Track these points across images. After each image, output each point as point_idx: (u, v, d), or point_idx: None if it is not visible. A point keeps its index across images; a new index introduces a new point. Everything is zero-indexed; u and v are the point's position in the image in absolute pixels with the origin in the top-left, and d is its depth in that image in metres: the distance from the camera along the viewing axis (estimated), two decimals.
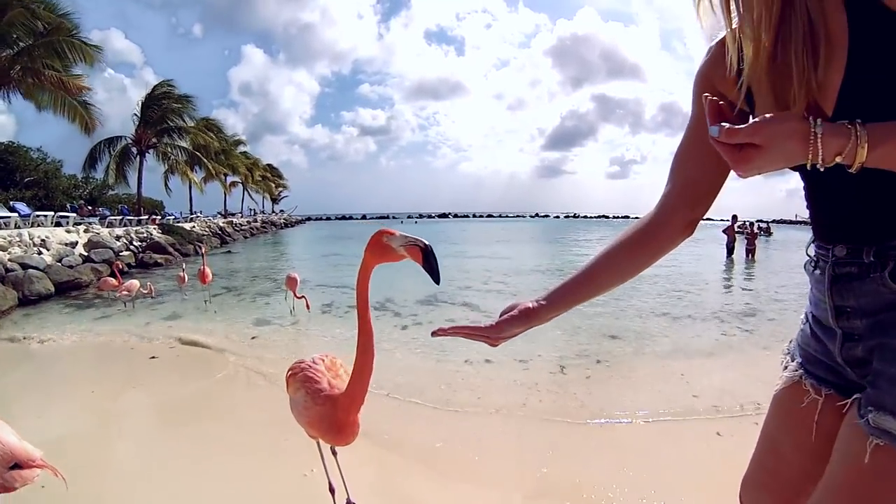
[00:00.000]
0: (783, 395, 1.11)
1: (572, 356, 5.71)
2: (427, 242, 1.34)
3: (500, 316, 1.10)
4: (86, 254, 15.19)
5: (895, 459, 0.82)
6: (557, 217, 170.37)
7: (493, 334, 1.08)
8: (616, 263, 1.12)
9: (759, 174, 0.82)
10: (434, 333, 1.10)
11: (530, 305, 1.09)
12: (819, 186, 0.97)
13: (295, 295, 8.60)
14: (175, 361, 5.78)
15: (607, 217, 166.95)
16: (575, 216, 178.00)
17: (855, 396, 0.92)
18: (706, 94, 0.85)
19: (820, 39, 0.83)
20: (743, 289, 11.75)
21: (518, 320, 1.08)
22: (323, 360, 2.19)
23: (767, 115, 0.78)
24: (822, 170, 0.77)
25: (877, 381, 0.87)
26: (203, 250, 13.74)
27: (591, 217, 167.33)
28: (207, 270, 9.90)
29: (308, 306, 8.45)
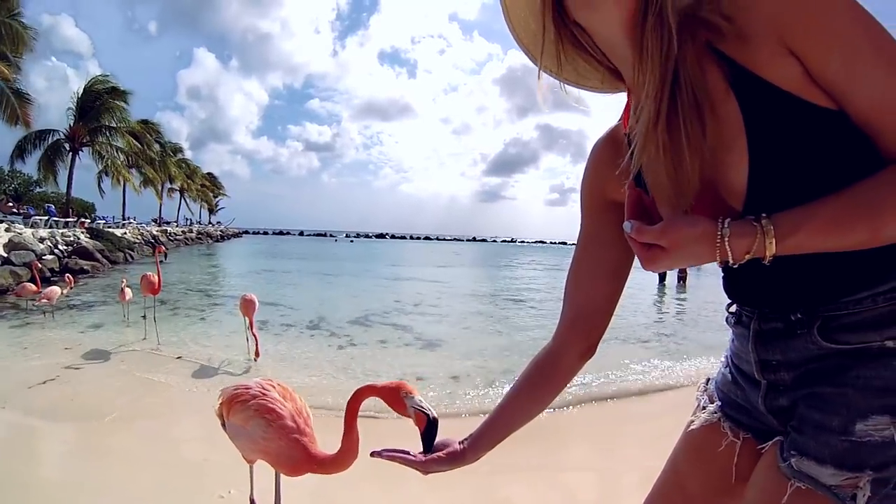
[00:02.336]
0: (698, 434, 1.11)
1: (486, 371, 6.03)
2: (435, 415, 1.29)
3: (434, 452, 1.13)
4: (5, 255, 14.21)
5: (813, 502, 0.84)
6: (495, 241, 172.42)
7: (421, 468, 1.12)
8: (521, 405, 1.15)
9: (668, 270, 0.82)
10: (372, 454, 1.14)
11: (457, 448, 1.12)
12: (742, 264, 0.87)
13: (251, 324, 6.66)
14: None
15: (544, 242, 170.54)
16: (513, 241, 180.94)
17: (776, 439, 0.94)
18: (630, 184, 0.86)
19: (705, 110, 0.80)
20: (660, 314, 12.35)
21: (445, 462, 1.11)
22: (273, 387, 2.15)
23: (675, 219, 0.80)
24: (735, 267, 0.79)
25: (802, 427, 0.89)
26: (158, 252, 10.63)
27: (529, 242, 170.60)
28: (158, 279, 7.93)
29: (258, 353, 6.46)
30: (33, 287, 9.18)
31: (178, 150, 53.20)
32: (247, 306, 6.65)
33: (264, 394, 2.08)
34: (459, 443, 1.14)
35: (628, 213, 0.85)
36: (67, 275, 10.11)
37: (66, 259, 17.73)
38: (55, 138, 27.71)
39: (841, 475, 0.83)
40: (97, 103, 28.29)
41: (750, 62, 0.77)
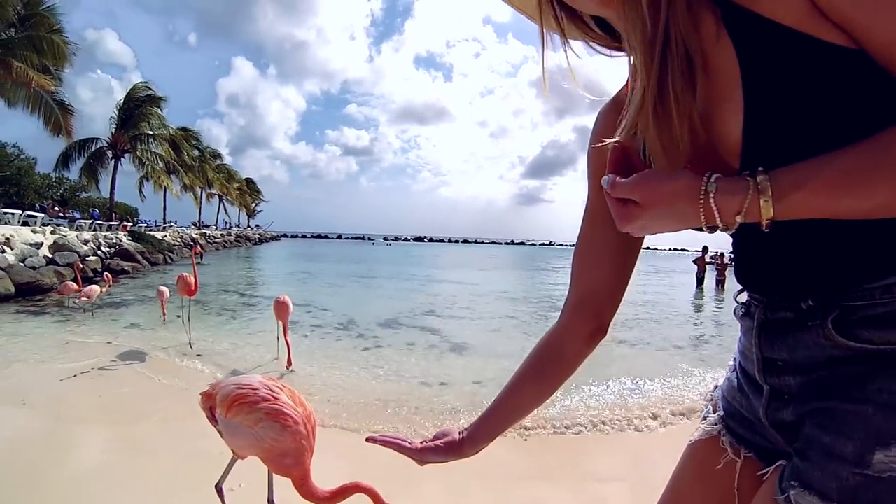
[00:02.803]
0: (699, 447, 0.99)
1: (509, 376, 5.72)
2: None
3: (432, 440, 1.06)
4: (50, 256, 14.84)
5: None
6: (534, 244, 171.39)
7: (417, 456, 1.05)
8: (524, 394, 1.05)
9: (652, 234, 0.74)
10: (368, 440, 1.09)
11: (455, 439, 1.04)
12: (748, 236, 0.80)
13: (285, 329, 6.29)
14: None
15: (551, 244, 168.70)
16: (551, 244, 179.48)
17: (778, 464, 0.81)
18: (615, 140, 0.76)
19: (696, 68, 0.69)
20: (695, 319, 11.89)
21: (442, 452, 1.04)
22: (281, 390, 2.20)
23: (653, 171, 0.70)
24: (726, 233, 0.69)
25: (806, 452, 0.74)
26: (195, 253, 9.76)
27: (567, 245, 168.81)
28: (194, 280, 7.51)
29: (290, 361, 6.07)
30: (75, 286, 9.51)
31: (216, 155, 54.41)
32: (280, 309, 6.27)
33: (275, 398, 2.13)
34: (459, 433, 1.05)
35: (609, 169, 0.74)
36: (106, 274, 10.52)
37: (109, 260, 18.37)
38: (98, 146, 28.67)
39: None
40: (137, 111, 29.20)
41: None
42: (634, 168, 0.73)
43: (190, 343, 7.01)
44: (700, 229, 0.68)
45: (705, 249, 19.87)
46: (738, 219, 0.63)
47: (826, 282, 0.73)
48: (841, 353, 0.71)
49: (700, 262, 19.05)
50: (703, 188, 0.64)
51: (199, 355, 6.64)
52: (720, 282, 18.92)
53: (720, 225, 0.65)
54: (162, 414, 4.35)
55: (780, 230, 0.68)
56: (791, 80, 0.64)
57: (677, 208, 0.66)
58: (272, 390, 2.17)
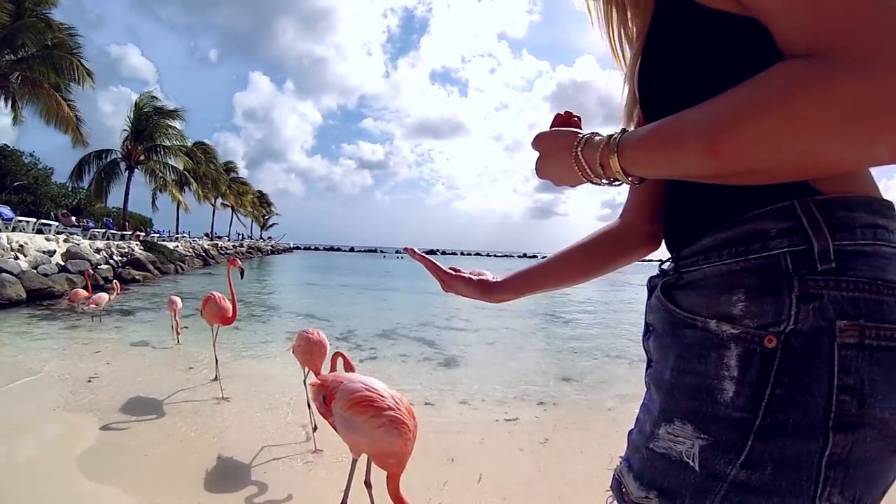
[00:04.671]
0: None
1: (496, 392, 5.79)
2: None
3: (468, 272, 1.08)
4: (62, 263, 15.16)
5: None
6: (545, 257, 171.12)
7: (447, 280, 1.06)
8: (572, 266, 1.04)
9: (563, 185, 0.78)
10: (406, 250, 1.13)
11: (488, 279, 1.05)
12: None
13: (175, 318, 7.83)
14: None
15: None
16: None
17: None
18: (566, 111, 0.81)
19: (631, 30, 0.82)
20: None
21: (471, 286, 1.04)
22: (401, 401, 2.39)
23: (555, 129, 0.77)
24: (609, 185, 0.71)
25: (632, 429, 0.78)
26: (232, 265, 5.59)
27: None
28: (231, 303, 5.32)
29: (178, 333, 7.77)
30: (84, 293, 9.67)
31: (231, 168, 55.04)
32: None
33: (398, 408, 2.33)
34: (493, 277, 1.06)
35: (550, 127, 0.80)
36: (115, 282, 10.73)
37: (120, 269, 18.69)
38: (112, 157, 29.15)
39: (639, 490, 0.70)
40: (150, 122, 29.70)
41: None
42: (571, 125, 0.79)
43: (222, 395, 5.13)
44: (592, 183, 0.72)
45: None
46: (599, 170, 0.67)
47: (675, 242, 0.78)
48: (670, 319, 0.72)
49: None
50: (576, 143, 0.70)
51: (190, 368, 6.58)
52: None
53: (592, 175, 0.69)
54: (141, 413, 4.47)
55: (668, 192, 0.80)
56: (671, 42, 0.72)
57: (561, 159, 0.72)
58: (396, 400, 2.36)
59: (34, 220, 19.73)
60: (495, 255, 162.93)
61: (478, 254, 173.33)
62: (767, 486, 0.59)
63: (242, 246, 52.43)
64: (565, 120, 0.80)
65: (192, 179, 34.08)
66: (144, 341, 7.85)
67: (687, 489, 0.64)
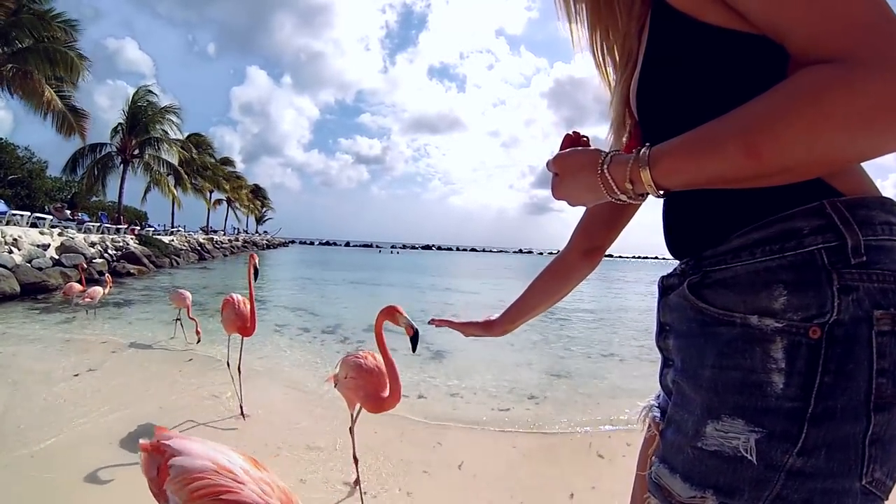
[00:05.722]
0: (648, 437, 0.99)
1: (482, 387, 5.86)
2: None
3: (476, 319, 1.32)
4: (57, 257, 15.10)
5: None
6: (541, 253, 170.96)
7: (462, 329, 1.31)
8: (539, 291, 1.24)
9: (580, 205, 0.83)
10: (431, 322, 1.40)
11: (491, 319, 1.28)
12: (665, 208, 0.89)
13: (189, 315, 7.04)
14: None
15: None
16: (559, 252, 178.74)
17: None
18: (573, 130, 0.87)
19: (623, 52, 0.88)
20: None
21: (479, 327, 1.29)
22: (259, 486, 1.88)
23: (572, 149, 0.80)
24: (632, 201, 0.74)
25: (666, 429, 0.78)
26: (251, 262, 4.31)
27: None
28: (250, 310, 4.27)
29: (198, 333, 6.75)
30: (79, 286, 9.65)
31: (228, 162, 54.85)
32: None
33: (239, 491, 2.06)
34: (494, 317, 1.29)
35: (560, 148, 0.84)
36: (107, 275, 10.72)
37: (115, 263, 18.65)
38: (107, 150, 29.07)
39: (690, 490, 0.70)
40: (144, 116, 29.60)
41: None
42: (581, 146, 0.85)
43: (242, 412, 4.30)
44: (614, 199, 0.75)
45: None
46: (628, 185, 0.70)
47: (695, 245, 0.79)
48: (699, 317, 0.74)
49: None
50: (601, 161, 0.73)
51: (189, 360, 6.55)
52: None
53: (617, 192, 0.72)
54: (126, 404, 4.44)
55: (673, 200, 0.83)
56: (672, 57, 0.76)
57: (584, 178, 0.76)
58: (260, 487, 1.71)
59: (28, 213, 19.67)
60: (491, 251, 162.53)
61: (473, 249, 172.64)
62: (821, 469, 0.62)
63: (238, 240, 52.25)
64: (575, 140, 0.84)
65: (184, 174, 33.87)
66: (142, 343, 7.20)
67: (746, 483, 0.65)
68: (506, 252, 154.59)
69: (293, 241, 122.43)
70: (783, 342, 0.64)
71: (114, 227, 26.09)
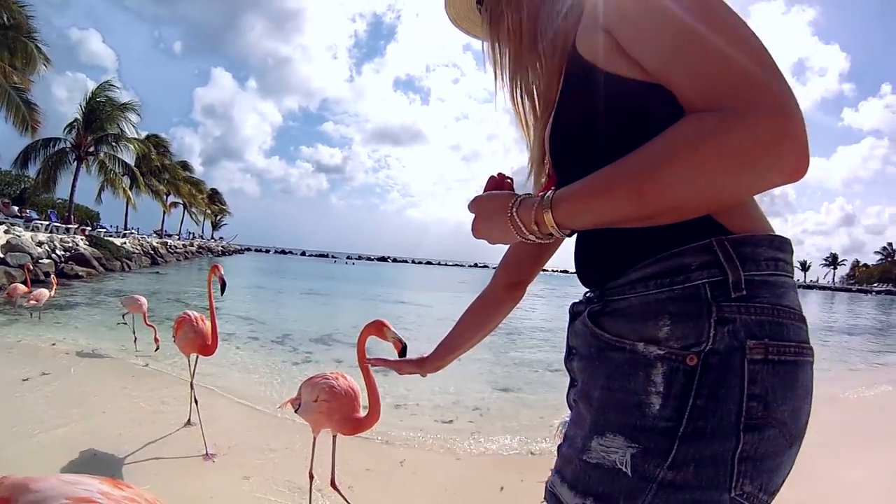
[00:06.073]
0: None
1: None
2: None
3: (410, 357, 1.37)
4: (1, 256, 14.65)
5: None
6: (496, 267, 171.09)
7: (396, 367, 1.35)
8: (466, 328, 1.28)
9: (498, 243, 0.88)
10: (368, 360, 1.47)
11: (424, 357, 1.31)
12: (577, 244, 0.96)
13: (145, 321, 6.75)
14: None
15: (546, 271, 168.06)
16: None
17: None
18: (498, 173, 0.92)
19: (537, 100, 0.95)
20: None
21: (413, 364, 1.32)
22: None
23: (489, 192, 0.87)
24: (541, 241, 0.80)
25: (561, 445, 0.85)
26: (213, 273, 3.99)
27: None
28: (212, 329, 3.97)
29: (157, 341, 6.39)
30: (24, 288, 9.40)
31: (185, 166, 53.83)
32: (133, 305, 6.96)
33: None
34: (423, 355, 1.34)
35: (484, 189, 0.90)
36: (52, 276, 10.51)
37: (63, 264, 18.13)
38: (61, 146, 28.28)
39: (574, 498, 0.77)
40: (102, 113, 28.88)
41: (573, 35, 0.84)
42: (503, 187, 0.91)
43: (206, 450, 3.68)
44: (524, 240, 0.81)
45: None
46: (534, 227, 0.76)
47: (599, 277, 0.85)
48: (596, 343, 0.80)
49: None
50: (511, 204, 0.79)
51: (146, 365, 6.43)
52: None
53: (526, 233, 0.78)
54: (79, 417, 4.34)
55: (582, 235, 0.90)
56: (580, 104, 0.83)
57: (497, 220, 0.81)
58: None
59: None
60: (446, 264, 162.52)
61: (429, 262, 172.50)
62: (690, 482, 0.68)
63: (193, 245, 51.05)
64: (499, 182, 0.90)
65: (139, 175, 33.14)
66: (90, 350, 6.89)
67: (621, 492, 0.72)
68: (461, 266, 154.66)
69: (248, 249, 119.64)
70: (663, 368, 0.71)
71: (63, 226, 25.36)
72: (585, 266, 0.91)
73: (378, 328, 2.20)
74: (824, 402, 6.08)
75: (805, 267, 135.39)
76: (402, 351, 1.87)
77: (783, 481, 0.74)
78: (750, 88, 0.61)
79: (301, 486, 3.11)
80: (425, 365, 1.31)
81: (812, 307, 33.69)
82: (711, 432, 0.68)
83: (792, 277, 0.76)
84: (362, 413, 2.60)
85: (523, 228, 0.78)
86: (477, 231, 0.86)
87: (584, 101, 0.81)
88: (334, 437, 2.81)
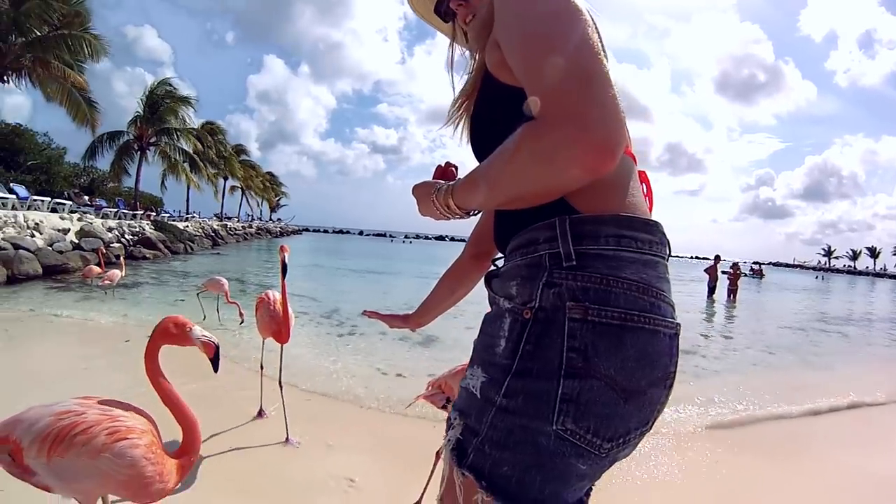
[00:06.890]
0: None
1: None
2: (217, 341, 1.74)
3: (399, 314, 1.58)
4: (76, 241, 15.73)
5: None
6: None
7: (387, 321, 1.56)
8: (441, 292, 1.48)
9: (437, 219, 1.02)
10: (364, 313, 1.62)
11: (408, 314, 1.55)
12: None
13: (227, 300, 7.57)
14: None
15: None
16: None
17: None
18: (446, 161, 1.09)
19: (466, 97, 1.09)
20: (702, 330, 10.88)
21: (399, 319, 1.56)
22: (108, 403, 1.81)
23: (425, 181, 1.03)
24: (459, 218, 0.99)
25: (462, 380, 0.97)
26: (282, 255, 3.77)
27: None
28: (284, 312, 3.67)
29: (242, 315, 7.08)
30: (98, 269, 10.13)
31: (242, 150, 55.09)
32: (215, 286, 7.98)
33: (109, 415, 1.73)
34: (407, 312, 1.57)
35: (432, 177, 1.07)
36: (122, 258, 11.23)
37: (131, 247, 19.22)
38: (125, 139, 29.53)
39: (453, 413, 0.94)
40: (162, 106, 29.99)
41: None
42: (447, 174, 1.08)
43: (287, 437, 3.55)
44: (446, 218, 0.99)
45: (717, 259, 18.53)
46: (447, 210, 0.95)
47: (499, 247, 1.05)
48: (488, 297, 0.98)
49: (711, 272, 17.84)
50: (432, 192, 0.96)
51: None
52: (732, 292, 17.93)
53: (445, 213, 0.96)
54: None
55: (496, 214, 1.06)
56: (485, 107, 0.99)
57: (425, 203, 0.99)
58: (101, 409, 1.75)
59: (48, 199, 20.08)
60: None
61: None
62: (520, 409, 0.82)
63: (251, 227, 52.61)
64: (444, 170, 1.08)
65: (200, 162, 34.22)
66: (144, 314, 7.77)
67: (474, 410, 0.88)
68: None
69: (307, 229, 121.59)
70: (509, 318, 0.86)
71: (130, 212, 26.62)
72: (495, 239, 1.10)
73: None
74: None
75: (874, 253, 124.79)
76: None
77: (629, 432, 0.84)
78: (569, 100, 0.70)
79: None
80: (409, 321, 1.55)
81: (881, 296, 31.49)
82: (537, 373, 0.81)
83: (646, 255, 0.86)
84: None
85: (442, 210, 0.96)
86: (419, 211, 1.04)
87: (486, 103, 1.00)
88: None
